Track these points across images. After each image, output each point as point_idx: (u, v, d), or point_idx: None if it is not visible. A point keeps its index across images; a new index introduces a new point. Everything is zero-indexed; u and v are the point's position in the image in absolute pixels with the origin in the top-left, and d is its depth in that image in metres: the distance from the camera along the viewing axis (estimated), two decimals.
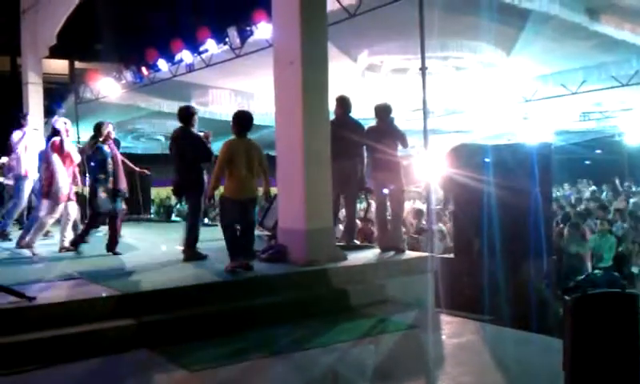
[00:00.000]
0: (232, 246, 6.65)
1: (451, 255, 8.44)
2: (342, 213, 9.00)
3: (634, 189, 21.85)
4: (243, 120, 6.87)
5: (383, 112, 8.14)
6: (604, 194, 20.81)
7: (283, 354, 5.02)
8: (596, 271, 9.58)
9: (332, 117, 7.95)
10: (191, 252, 7.39)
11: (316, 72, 7.05)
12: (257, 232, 8.18)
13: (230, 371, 4.68)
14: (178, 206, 21.59)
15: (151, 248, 8.59)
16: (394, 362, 4.88)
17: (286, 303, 6.11)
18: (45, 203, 8.43)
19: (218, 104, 14.11)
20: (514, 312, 7.20)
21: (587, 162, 29.55)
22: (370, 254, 7.72)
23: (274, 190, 7.46)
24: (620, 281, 9.20)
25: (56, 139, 8.37)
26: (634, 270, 11.09)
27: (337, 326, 5.80)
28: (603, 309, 3.53)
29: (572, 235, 11.39)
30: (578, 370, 3.60)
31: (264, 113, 15.10)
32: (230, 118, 7.05)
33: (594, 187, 22.82)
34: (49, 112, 16.34)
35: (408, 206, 14.72)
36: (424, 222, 11.86)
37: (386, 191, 8.12)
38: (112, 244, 8.10)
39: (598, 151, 28.49)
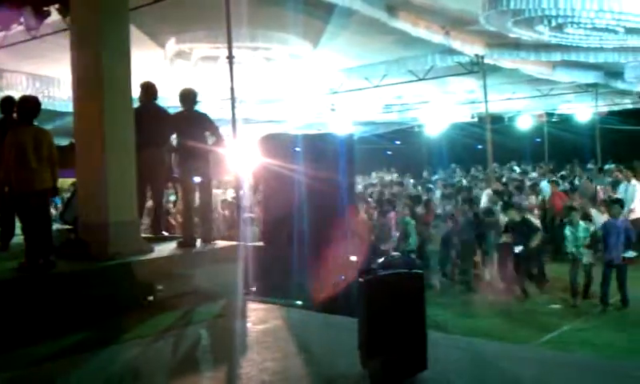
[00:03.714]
0: (30, 242, 6.16)
1: (260, 243, 8.52)
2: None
3: (434, 177, 23.54)
4: (29, 106, 6.34)
5: (187, 98, 7.85)
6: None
7: (84, 354, 4.78)
8: (395, 253, 10.19)
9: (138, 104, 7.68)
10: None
11: (117, 57, 6.72)
12: (56, 226, 7.72)
13: (26, 377, 4.38)
14: None
15: None
16: (197, 352, 4.84)
17: (87, 300, 5.78)
18: None
19: (12, 90, 13.01)
20: (321, 296, 7.45)
21: (389, 153, 31.45)
22: (178, 246, 7.56)
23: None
24: (415, 262, 9.88)
25: None
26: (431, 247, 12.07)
27: (141, 320, 5.62)
28: (391, 288, 3.75)
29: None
30: (371, 347, 3.80)
31: (66, 98, 14.28)
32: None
33: (391, 176, 24.25)
34: None
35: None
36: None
37: (197, 180, 7.99)
38: None
39: (398, 142, 30.43)
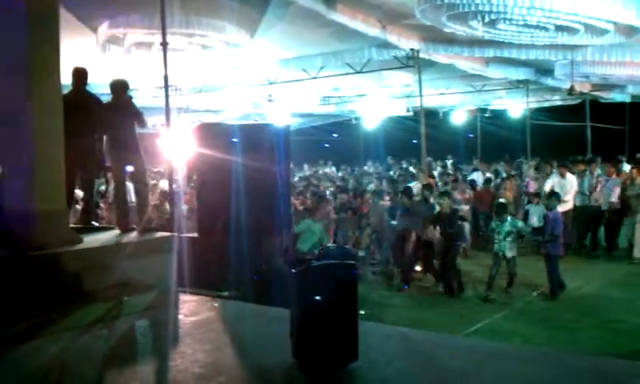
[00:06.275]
0: None
1: (195, 234, 8.42)
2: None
3: (367, 169, 23.76)
4: None
5: (119, 87, 7.75)
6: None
7: (8, 347, 4.62)
8: (330, 245, 10.25)
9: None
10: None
11: (45, 40, 6.48)
12: None
13: None
14: None
15: None
16: (127, 345, 4.74)
17: (12, 292, 5.58)
18: None
19: None
20: (256, 287, 7.43)
21: (326, 145, 31.58)
22: (110, 236, 7.36)
23: None
24: (352, 253, 9.97)
25: None
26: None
27: (69, 313, 5.45)
28: (323, 278, 3.76)
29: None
30: (302, 336, 3.81)
31: None
32: None
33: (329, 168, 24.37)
34: None
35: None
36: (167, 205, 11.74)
37: (130, 168, 7.85)
38: None
39: (335, 135, 30.60)
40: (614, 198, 13.25)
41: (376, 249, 12.60)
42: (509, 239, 10.56)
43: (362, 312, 9.11)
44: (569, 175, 13.67)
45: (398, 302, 10.56)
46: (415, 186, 14.30)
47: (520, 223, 11.01)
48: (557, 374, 4.12)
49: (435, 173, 19.53)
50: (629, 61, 13.36)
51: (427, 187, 13.08)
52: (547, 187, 13.32)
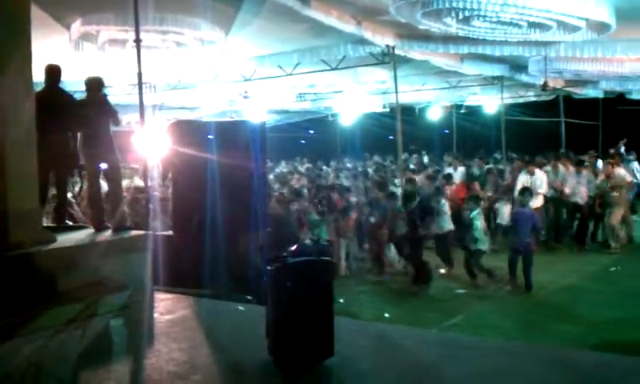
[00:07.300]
0: None
1: (170, 232, 8.38)
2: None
3: (348, 165, 23.73)
4: None
5: (94, 85, 7.73)
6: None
7: None
8: (307, 241, 10.27)
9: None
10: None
11: (16, 37, 6.40)
12: None
13: None
14: None
15: None
16: (102, 344, 4.71)
17: None
18: None
19: None
20: (233, 285, 7.42)
21: (302, 142, 31.55)
22: (84, 235, 7.31)
23: None
24: (328, 249, 10.01)
25: None
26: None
27: (43, 313, 5.40)
28: (299, 275, 3.77)
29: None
30: (278, 333, 3.81)
31: None
32: None
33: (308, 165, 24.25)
34: None
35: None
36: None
37: (104, 166, 7.79)
38: None
39: (311, 132, 30.59)
40: (584, 194, 13.75)
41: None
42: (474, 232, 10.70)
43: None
44: (538, 172, 13.95)
45: (374, 296, 10.60)
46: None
47: (477, 223, 10.98)
48: (529, 365, 4.18)
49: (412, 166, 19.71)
50: (601, 57, 13.50)
51: (410, 181, 13.27)
52: (519, 185, 13.49)
